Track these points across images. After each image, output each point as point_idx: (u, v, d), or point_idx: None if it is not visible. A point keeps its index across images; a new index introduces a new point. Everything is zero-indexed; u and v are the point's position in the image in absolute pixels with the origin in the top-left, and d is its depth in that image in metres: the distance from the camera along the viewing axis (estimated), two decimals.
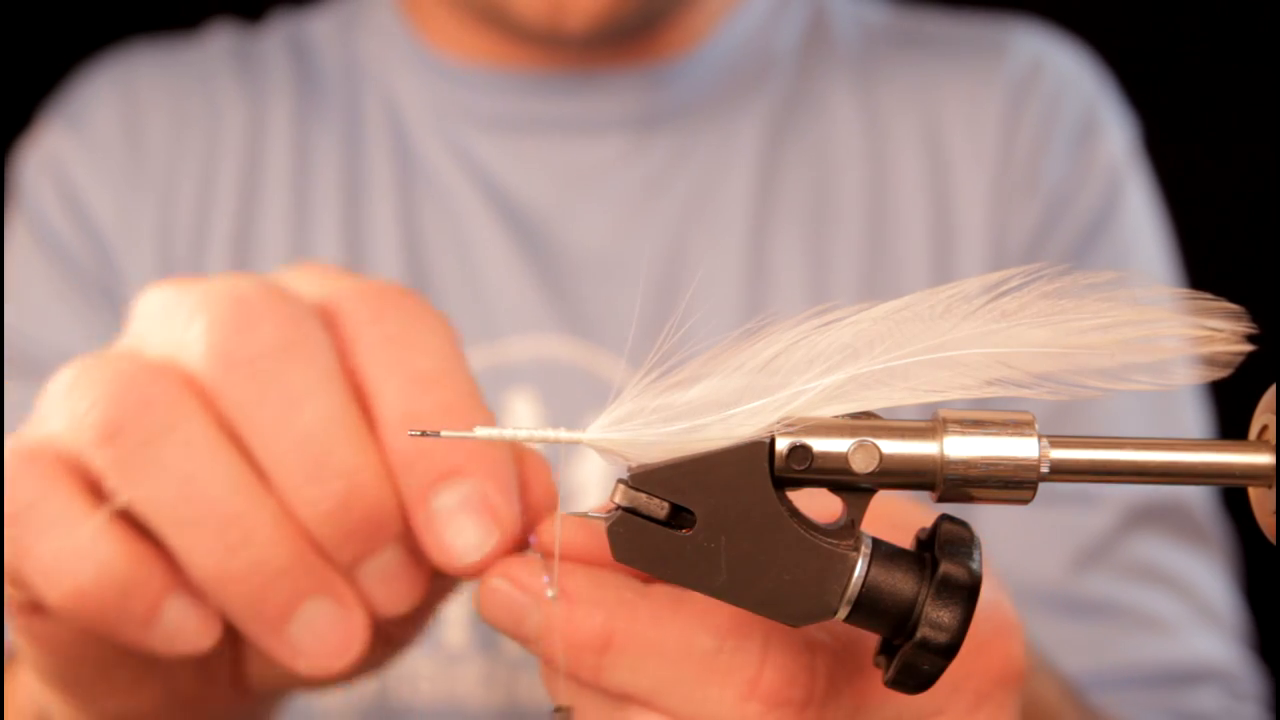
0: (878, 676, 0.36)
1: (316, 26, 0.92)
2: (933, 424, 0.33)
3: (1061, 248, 0.83)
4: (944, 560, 0.33)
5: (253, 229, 0.84)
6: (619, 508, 0.34)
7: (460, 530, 0.38)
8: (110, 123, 0.87)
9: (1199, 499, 0.80)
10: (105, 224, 0.84)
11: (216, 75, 0.88)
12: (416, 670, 0.79)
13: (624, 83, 0.84)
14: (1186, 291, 0.34)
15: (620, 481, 0.34)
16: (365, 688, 0.80)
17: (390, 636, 0.46)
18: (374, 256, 0.83)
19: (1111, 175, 0.86)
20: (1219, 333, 0.33)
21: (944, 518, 0.34)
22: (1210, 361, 0.33)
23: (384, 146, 0.86)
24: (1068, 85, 0.87)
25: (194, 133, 0.86)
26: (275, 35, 0.91)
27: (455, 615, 0.79)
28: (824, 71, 0.87)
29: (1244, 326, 0.33)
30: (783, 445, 0.33)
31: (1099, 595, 0.77)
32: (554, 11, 0.77)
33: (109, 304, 0.84)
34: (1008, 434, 0.33)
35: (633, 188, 0.84)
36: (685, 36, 0.85)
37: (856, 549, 0.33)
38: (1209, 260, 0.88)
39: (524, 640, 0.38)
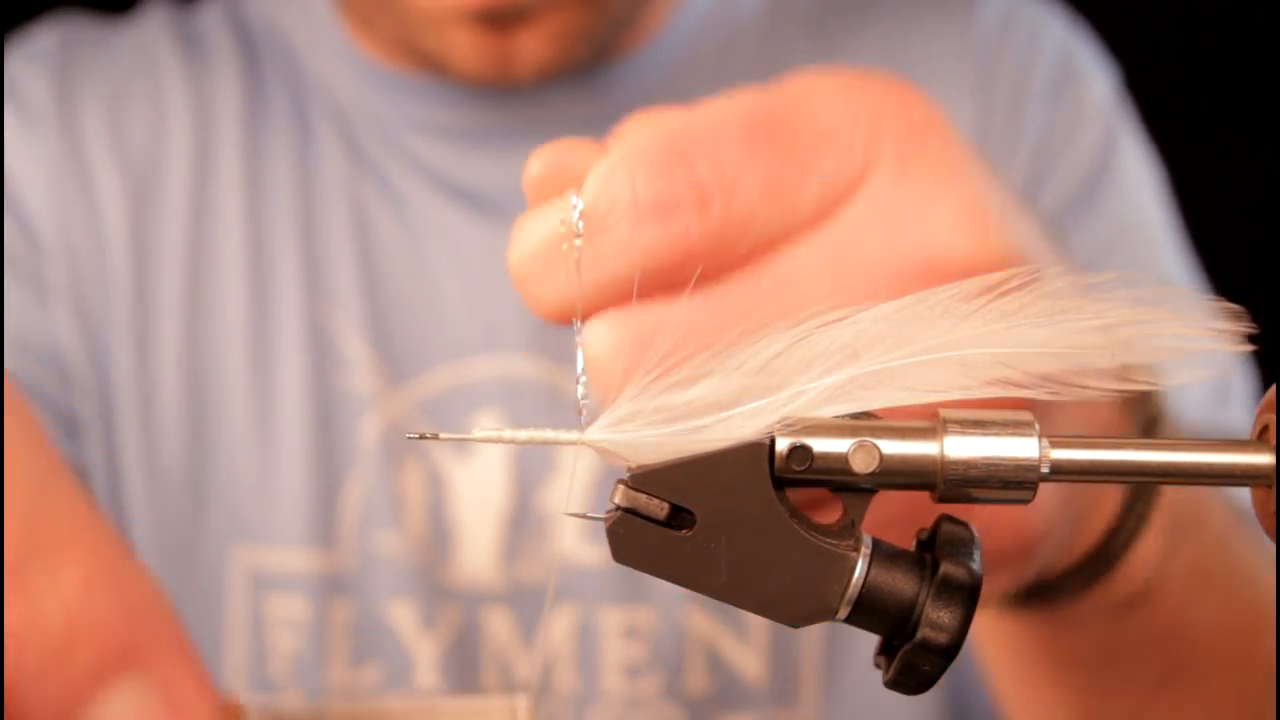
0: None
1: (252, 6, 0.87)
2: (933, 424, 0.33)
3: (1058, 198, 0.80)
4: (944, 561, 0.33)
5: (204, 241, 0.80)
6: (618, 508, 0.34)
7: None
8: (46, 103, 0.82)
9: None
10: (36, 208, 0.80)
11: (158, 58, 0.84)
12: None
13: (578, 84, 0.80)
14: (1185, 291, 0.34)
15: (620, 482, 0.34)
16: None
17: None
18: (331, 271, 0.80)
19: (1103, 120, 0.83)
20: (1219, 332, 0.33)
21: (944, 518, 0.34)
22: (1210, 361, 0.33)
23: (333, 147, 0.82)
24: (1041, 34, 0.84)
25: (136, 127, 0.82)
26: (213, 11, 0.87)
27: (425, 656, 0.78)
28: (787, 44, 0.84)
29: (1244, 326, 0.33)
30: (783, 446, 0.33)
31: None
32: (498, 64, 0.73)
33: (39, 297, 0.80)
34: (1008, 434, 0.33)
35: None
36: (637, 32, 0.82)
37: (856, 549, 0.33)
38: (1205, 258, 0.87)
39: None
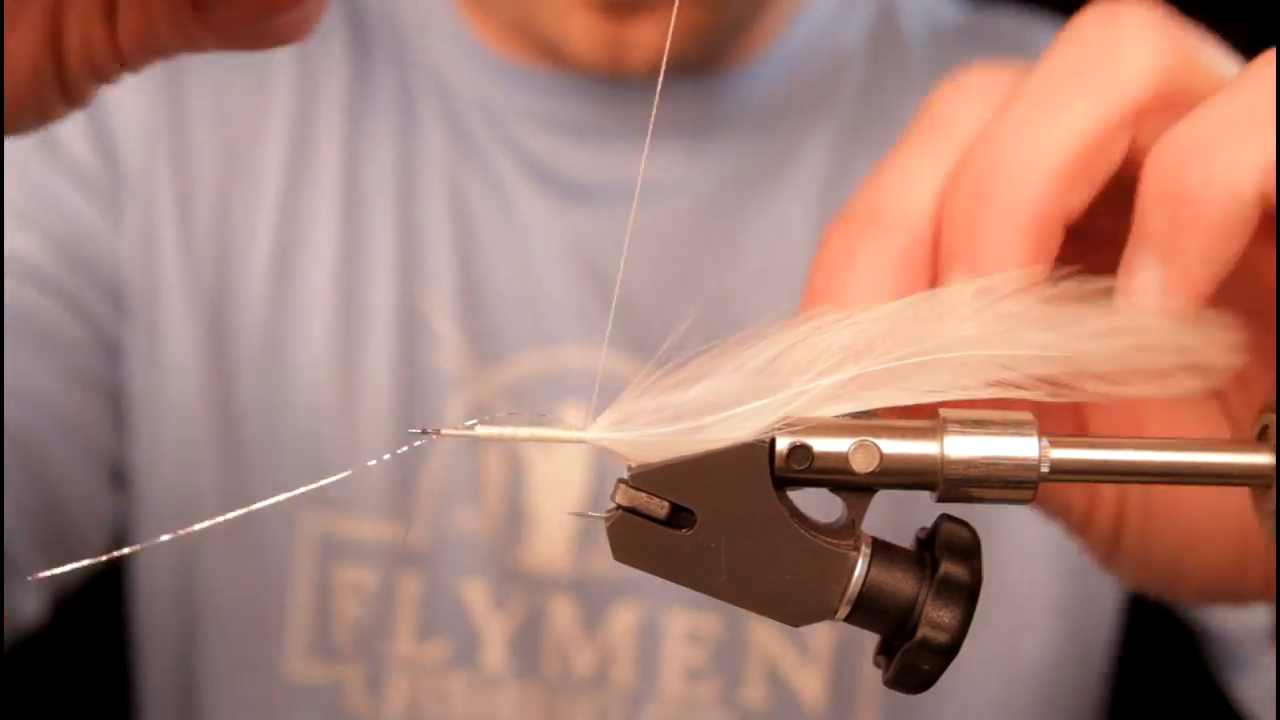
0: None
1: None
2: (933, 424, 0.34)
3: None
4: (944, 560, 0.33)
5: (299, 208, 0.80)
6: (619, 507, 0.34)
7: None
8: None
9: None
10: (127, 143, 0.80)
11: None
12: (450, 689, 0.79)
13: (684, 89, 0.80)
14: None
15: (621, 481, 0.34)
16: (396, 705, 0.79)
17: None
18: (426, 249, 0.80)
19: None
20: (1217, 339, 0.33)
21: (944, 517, 0.35)
22: (1209, 367, 0.33)
23: (437, 127, 0.82)
24: None
25: (240, 86, 0.82)
26: None
27: (495, 636, 0.79)
28: (894, 77, 0.83)
29: (1241, 333, 0.33)
30: (783, 445, 0.33)
31: None
32: (613, 52, 0.73)
33: (112, 216, 0.80)
34: (1008, 434, 0.33)
35: (694, 197, 0.80)
36: (748, 43, 0.81)
37: (856, 549, 0.34)
38: None
39: None
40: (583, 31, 0.72)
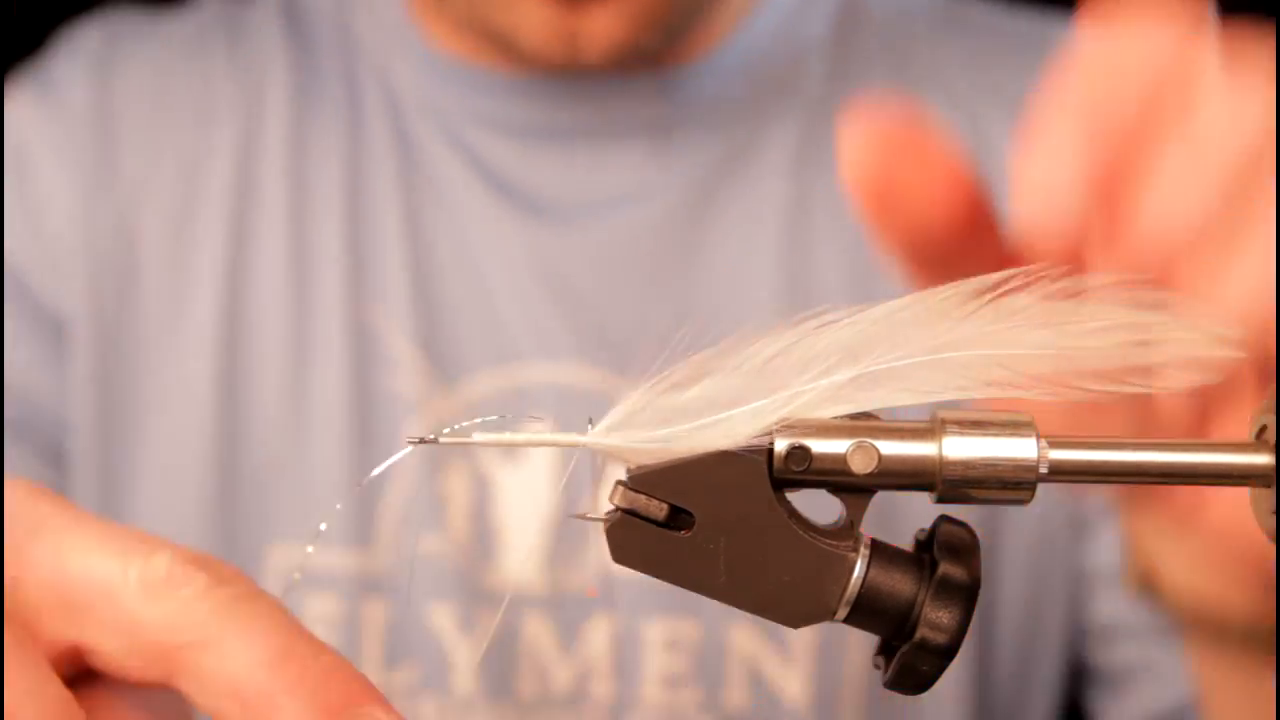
0: None
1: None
2: (931, 425, 0.33)
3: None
4: (943, 561, 0.33)
5: (245, 238, 0.79)
6: (618, 509, 0.34)
7: None
8: (82, 101, 0.81)
9: None
10: (59, 219, 0.80)
11: (206, 51, 0.82)
12: (421, 714, 0.78)
13: (642, 86, 0.79)
14: (1184, 294, 0.34)
15: (619, 483, 0.34)
16: None
17: None
18: (378, 270, 0.79)
19: None
20: (1216, 336, 0.33)
21: (943, 518, 0.35)
22: (1207, 365, 0.33)
23: (385, 142, 0.81)
24: None
25: (179, 117, 0.81)
26: (267, 2, 0.85)
27: (465, 661, 0.78)
28: (860, 64, 0.82)
29: (1241, 330, 0.34)
30: (781, 446, 0.33)
31: None
32: (567, 42, 0.72)
33: (46, 322, 0.80)
34: (1007, 434, 0.33)
35: (656, 202, 0.79)
36: (707, 35, 0.80)
37: (855, 550, 0.33)
38: None
39: None
40: (537, 22, 0.71)
